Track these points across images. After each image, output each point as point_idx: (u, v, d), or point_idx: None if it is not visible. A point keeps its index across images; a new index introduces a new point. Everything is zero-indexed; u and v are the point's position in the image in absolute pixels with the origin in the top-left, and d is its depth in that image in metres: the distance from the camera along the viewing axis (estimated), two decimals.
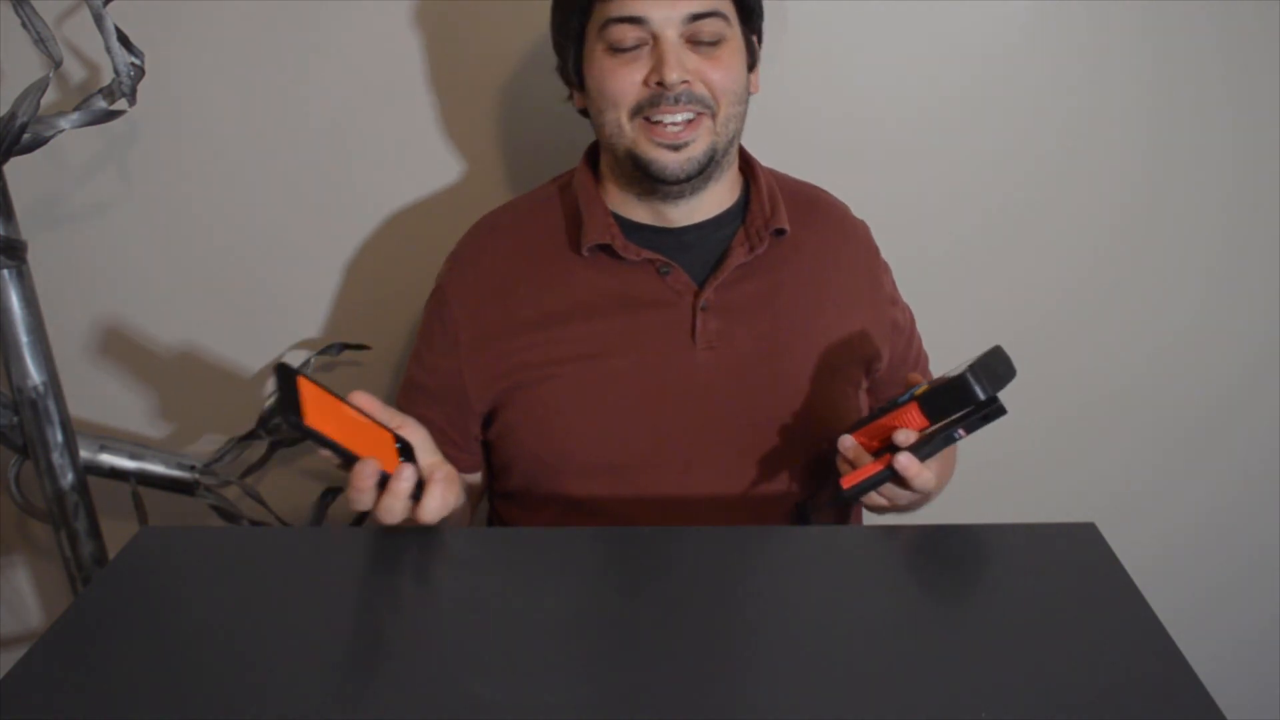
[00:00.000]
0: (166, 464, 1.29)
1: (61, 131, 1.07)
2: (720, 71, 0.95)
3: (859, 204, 1.14)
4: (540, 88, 1.22)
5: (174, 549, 0.83)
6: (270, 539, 0.93)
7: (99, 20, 1.05)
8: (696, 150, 0.96)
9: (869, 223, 1.13)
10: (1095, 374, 1.38)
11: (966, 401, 0.84)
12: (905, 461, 0.86)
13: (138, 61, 1.10)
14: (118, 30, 1.07)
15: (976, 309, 1.33)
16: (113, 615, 0.73)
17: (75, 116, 1.07)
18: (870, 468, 0.89)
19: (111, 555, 1.15)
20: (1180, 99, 1.26)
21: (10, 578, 1.49)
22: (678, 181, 0.97)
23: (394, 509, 0.81)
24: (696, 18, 0.93)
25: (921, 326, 1.17)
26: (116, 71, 1.08)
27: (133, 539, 0.83)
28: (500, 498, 1.11)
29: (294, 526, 1.37)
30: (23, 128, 1.04)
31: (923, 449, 0.86)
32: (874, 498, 0.91)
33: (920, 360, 1.15)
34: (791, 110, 1.25)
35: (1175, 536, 1.45)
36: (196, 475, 1.29)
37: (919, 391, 0.87)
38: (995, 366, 0.84)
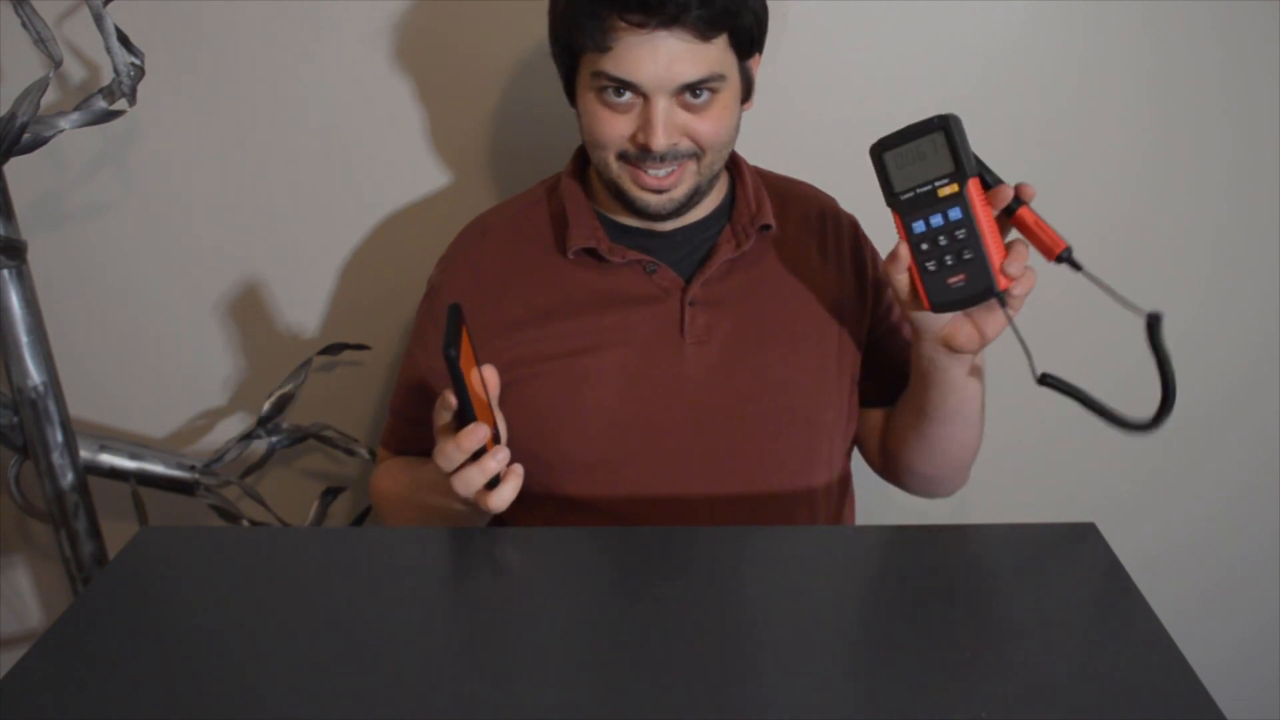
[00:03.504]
0: (166, 464, 1.29)
1: (61, 131, 1.07)
2: (710, 125, 0.94)
3: (860, 206, 1.14)
4: (533, 91, 1.22)
5: (174, 549, 0.83)
6: (270, 539, 0.93)
7: (99, 20, 1.05)
8: (678, 193, 0.97)
9: (865, 222, 1.13)
10: (1095, 374, 1.38)
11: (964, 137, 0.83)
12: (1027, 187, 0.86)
13: (138, 61, 1.10)
14: (118, 30, 1.07)
15: None
16: (113, 615, 0.74)
17: (75, 116, 1.07)
18: (1040, 225, 0.86)
19: (111, 555, 1.15)
20: (1178, 99, 1.26)
21: (10, 578, 1.49)
22: (660, 218, 0.99)
23: (474, 482, 0.82)
24: (690, 85, 0.91)
25: None
26: (116, 71, 1.08)
27: (133, 539, 0.83)
28: None
29: (294, 526, 1.37)
30: (23, 128, 1.04)
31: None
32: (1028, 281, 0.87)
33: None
34: (791, 111, 1.25)
35: (1175, 536, 1.45)
36: (196, 475, 1.29)
37: (967, 183, 0.83)
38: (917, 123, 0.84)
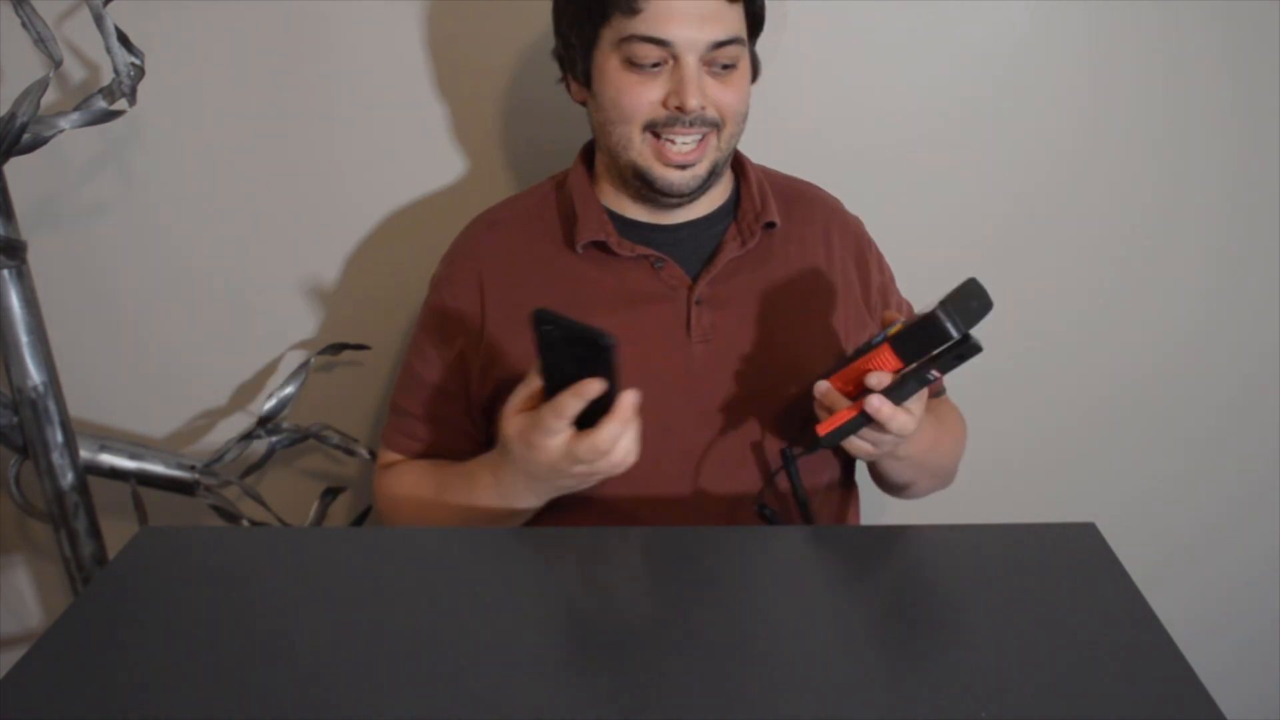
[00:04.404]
0: (166, 464, 1.29)
1: (61, 131, 1.07)
2: (733, 95, 0.97)
3: (860, 206, 1.14)
4: (538, 87, 1.22)
5: (174, 549, 0.84)
6: (270, 539, 0.93)
7: (99, 20, 1.05)
8: (701, 169, 0.99)
9: (870, 224, 1.13)
10: (1096, 375, 1.38)
11: (939, 340, 0.80)
12: (877, 404, 0.84)
13: (138, 61, 1.10)
14: (118, 30, 1.07)
15: None
16: (113, 615, 0.74)
17: (75, 116, 1.07)
18: (844, 413, 0.86)
19: (111, 555, 1.15)
20: (1181, 103, 1.26)
21: (10, 578, 1.49)
22: (681, 196, 1.00)
23: (627, 442, 0.84)
24: (719, 45, 0.95)
25: None
26: (116, 71, 1.08)
27: (133, 539, 0.84)
28: None
29: (294, 526, 1.37)
30: (23, 128, 1.04)
31: (897, 392, 0.83)
32: (857, 445, 0.89)
33: None
34: (792, 111, 1.25)
35: (1176, 537, 1.45)
36: (196, 475, 1.29)
37: (891, 332, 0.84)
38: (969, 301, 0.80)
